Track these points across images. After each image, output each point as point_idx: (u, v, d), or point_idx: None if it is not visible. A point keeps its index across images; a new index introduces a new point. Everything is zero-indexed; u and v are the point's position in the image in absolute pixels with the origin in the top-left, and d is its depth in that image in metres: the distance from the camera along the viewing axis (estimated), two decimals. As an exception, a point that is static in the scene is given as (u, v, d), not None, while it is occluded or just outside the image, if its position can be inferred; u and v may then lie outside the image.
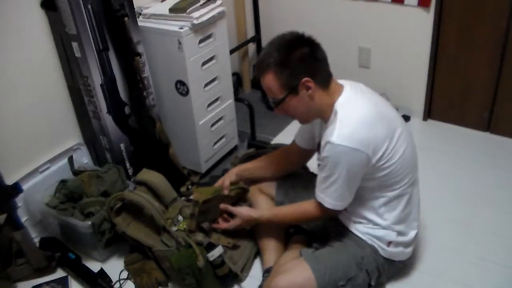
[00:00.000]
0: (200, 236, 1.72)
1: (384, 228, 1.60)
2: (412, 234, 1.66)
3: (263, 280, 1.74)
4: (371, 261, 1.60)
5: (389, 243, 1.61)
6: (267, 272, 1.74)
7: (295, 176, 1.91)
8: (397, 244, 1.63)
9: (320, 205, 1.57)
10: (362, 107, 1.49)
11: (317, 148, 1.70)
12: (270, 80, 1.48)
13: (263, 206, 1.85)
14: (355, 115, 1.47)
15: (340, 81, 1.57)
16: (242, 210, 1.77)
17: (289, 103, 1.50)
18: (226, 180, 1.84)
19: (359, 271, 1.58)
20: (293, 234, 1.90)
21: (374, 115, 1.49)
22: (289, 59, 1.45)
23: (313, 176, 1.73)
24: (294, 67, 1.45)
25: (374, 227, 1.61)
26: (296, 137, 1.86)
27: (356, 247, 1.61)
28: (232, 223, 1.77)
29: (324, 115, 1.54)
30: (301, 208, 1.66)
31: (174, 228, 1.79)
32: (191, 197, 1.77)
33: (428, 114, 2.76)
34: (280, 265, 1.67)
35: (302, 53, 1.45)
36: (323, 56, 1.50)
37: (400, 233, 1.62)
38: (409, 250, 1.70)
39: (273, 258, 1.78)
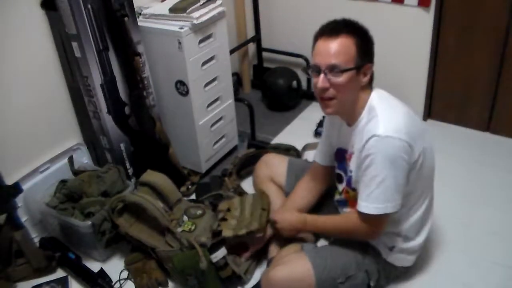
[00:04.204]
0: (204, 238, 1.71)
1: (394, 233, 1.57)
2: (419, 239, 1.62)
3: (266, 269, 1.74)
4: (372, 262, 1.60)
5: (392, 248, 1.59)
6: (270, 262, 1.75)
7: (304, 163, 1.94)
8: (401, 250, 1.60)
9: (363, 216, 1.46)
10: (401, 104, 1.48)
11: (335, 156, 1.68)
12: (348, 45, 1.39)
13: (273, 195, 1.88)
14: (398, 109, 1.44)
15: None
16: (286, 216, 1.73)
17: (347, 79, 1.39)
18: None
19: (358, 271, 1.58)
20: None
21: (411, 112, 1.47)
22: (369, 39, 1.44)
23: None
24: (369, 48, 1.44)
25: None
26: (315, 157, 1.80)
27: (359, 247, 1.61)
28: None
29: (353, 113, 1.48)
30: (344, 218, 1.61)
31: (179, 229, 1.78)
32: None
33: (428, 114, 2.76)
34: (281, 257, 1.68)
35: (373, 42, 1.46)
36: None
37: (406, 238, 1.58)
38: (412, 257, 1.66)
39: (277, 249, 1.79)
